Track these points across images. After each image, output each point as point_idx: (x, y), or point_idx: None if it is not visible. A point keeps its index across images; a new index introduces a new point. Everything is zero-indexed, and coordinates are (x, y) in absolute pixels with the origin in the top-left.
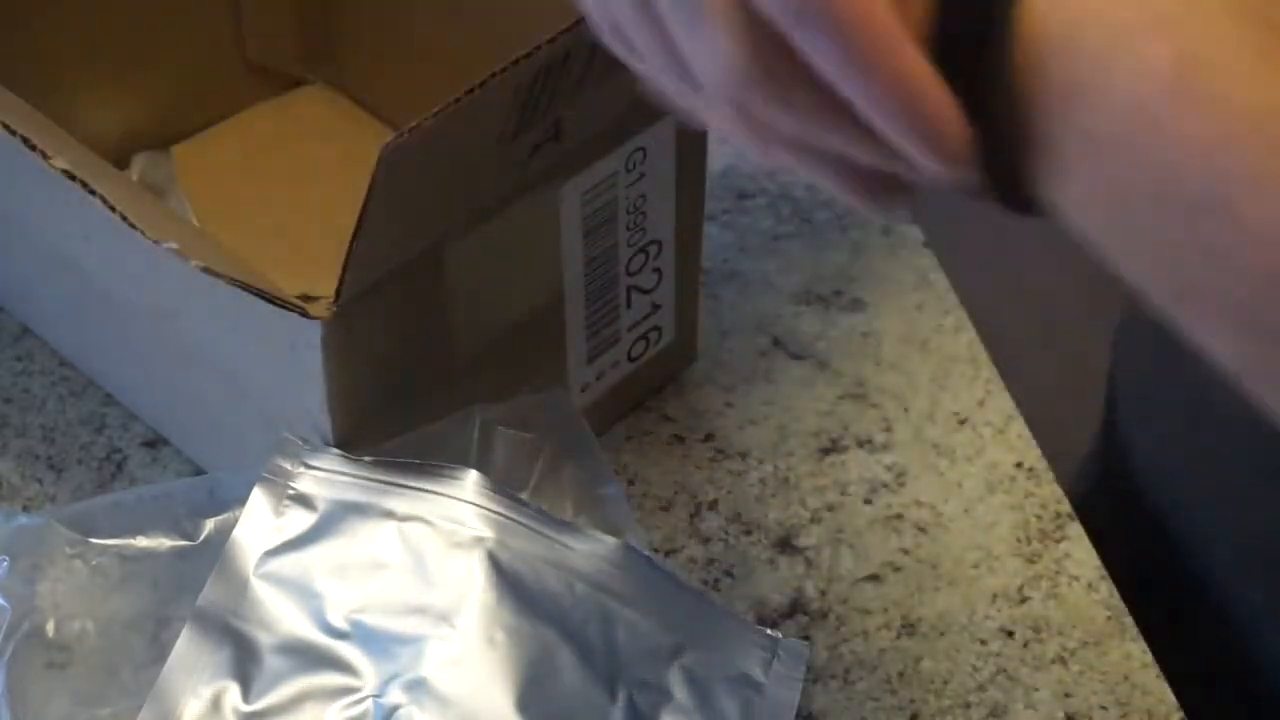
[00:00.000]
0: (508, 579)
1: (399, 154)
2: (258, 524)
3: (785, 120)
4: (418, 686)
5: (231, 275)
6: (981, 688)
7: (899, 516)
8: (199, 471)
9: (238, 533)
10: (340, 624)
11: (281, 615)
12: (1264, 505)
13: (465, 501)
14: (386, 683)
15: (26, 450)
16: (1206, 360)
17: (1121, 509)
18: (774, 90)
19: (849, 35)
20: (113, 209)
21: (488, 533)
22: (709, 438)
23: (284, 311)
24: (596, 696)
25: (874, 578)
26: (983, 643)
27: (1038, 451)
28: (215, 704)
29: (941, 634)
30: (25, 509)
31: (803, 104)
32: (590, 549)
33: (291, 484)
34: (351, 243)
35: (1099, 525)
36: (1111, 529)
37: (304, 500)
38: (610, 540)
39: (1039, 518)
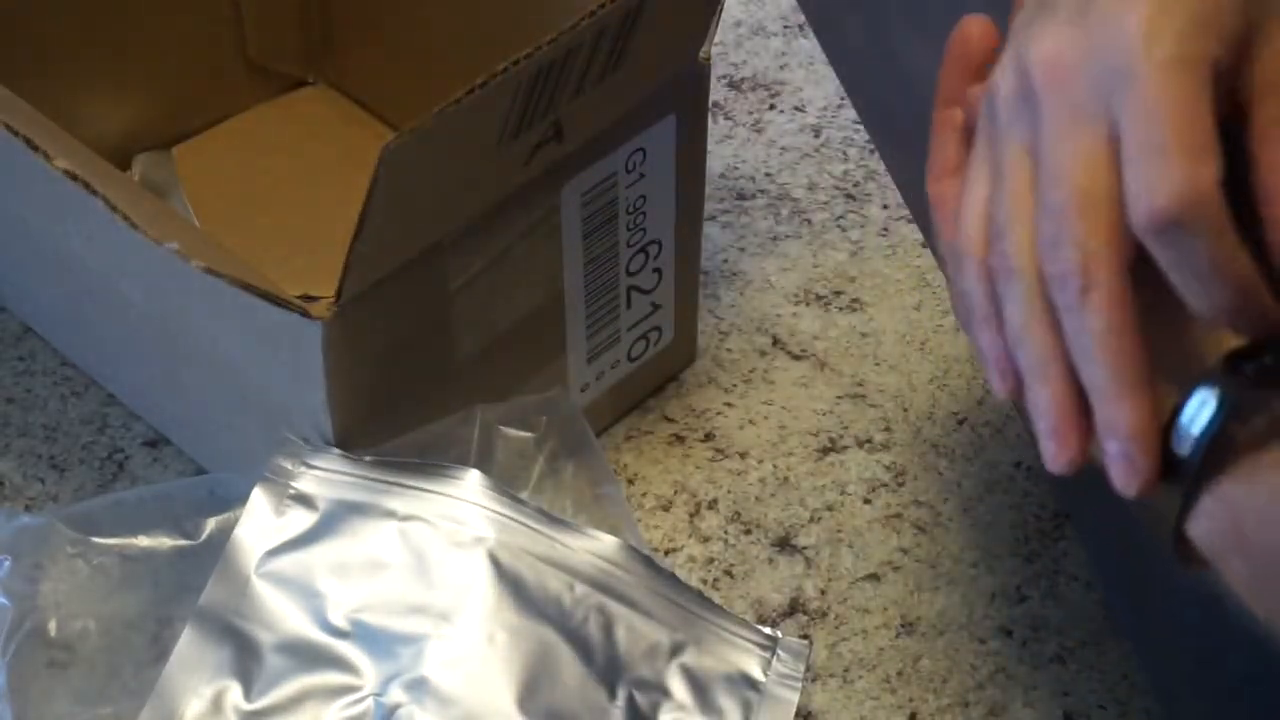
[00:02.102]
0: (508, 579)
1: (399, 154)
2: (259, 523)
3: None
4: (418, 686)
5: (233, 275)
6: (980, 686)
7: (898, 516)
8: (200, 471)
9: (239, 532)
10: (341, 623)
11: (282, 614)
12: None
13: (466, 501)
14: (387, 682)
15: (28, 450)
16: None
17: (1117, 509)
18: (1120, 280)
19: (1214, 237)
20: (114, 209)
21: (488, 532)
22: (709, 438)
23: (284, 311)
24: (596, 696)
25: (873, 577)
26: (981, 642)
27: (1036, 451)
28: (216, 703)
29: (940, 633)
30: (27, 508)
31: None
32: (590, 549)
33: (292, 484)
34: (352, 243)
35: (1094, 525)
36: (1107, 529)
37: (305, 500)
38: (610, 540)
39: (1037, 517)
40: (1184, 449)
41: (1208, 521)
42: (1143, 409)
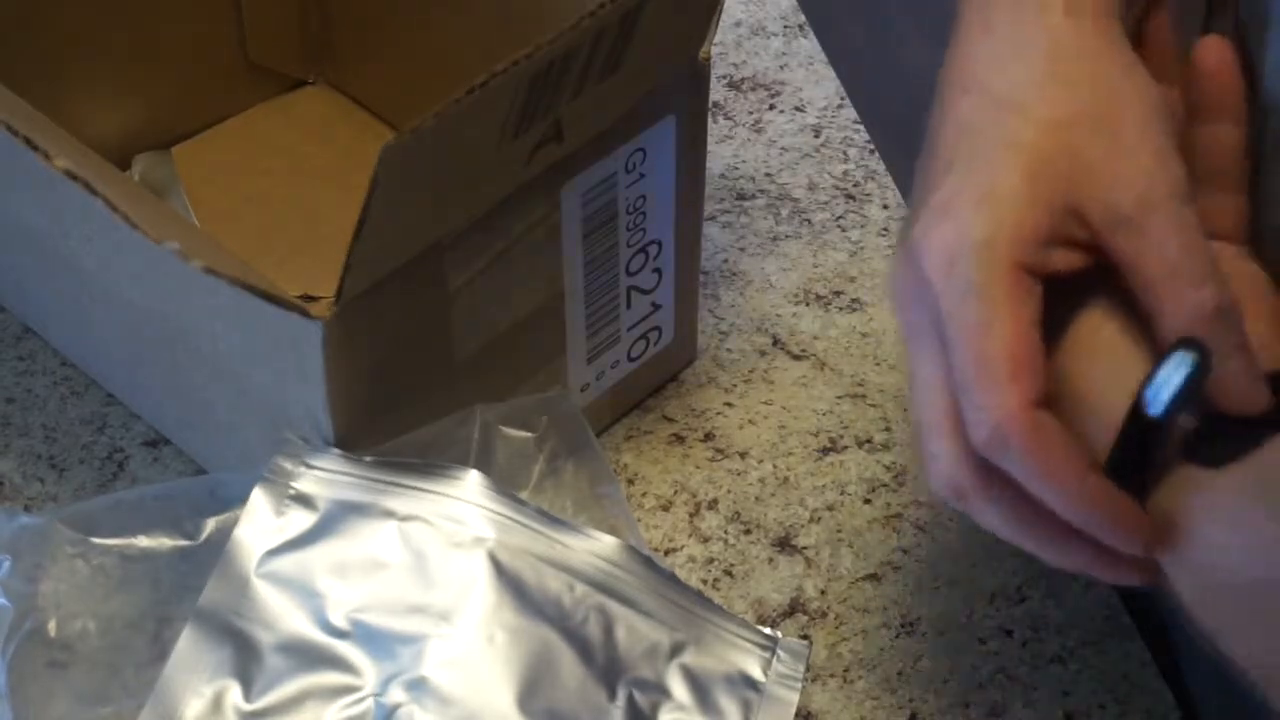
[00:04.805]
0: (508, 579)
1: (399, 154)
2: (259, 524)
3: (999, 519)
4: (418, 686)
5: (233, 275)
6: (981, 686)
7: (898, 516)
8: (200, 471)
9: (239, 532)
10: (341, 623)
11: (282, 614)
12: None
13: (465, 501)
14: (387, 682)
15: (28, 450)
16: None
17: None
18: (986, 496)
19: (1028, 464)
20: (114, 209)
21: (488, 532)
22: (709, 438)
23: (284, 311)
24: (596, 696)
25: (873, 577)
26: (982, 642)
27: None
28: (216, 703)
29: (941, 633)
30: (27, 508)
31: (1009, 510)
32: (590, 549)
33: (292, 484)
34: (352, 243)
35: None
36: None
37: (305, 500)
38: (610, 540)
39: None
40: (1153, 409)
41: (1162, 518)
42: (1126, 514)
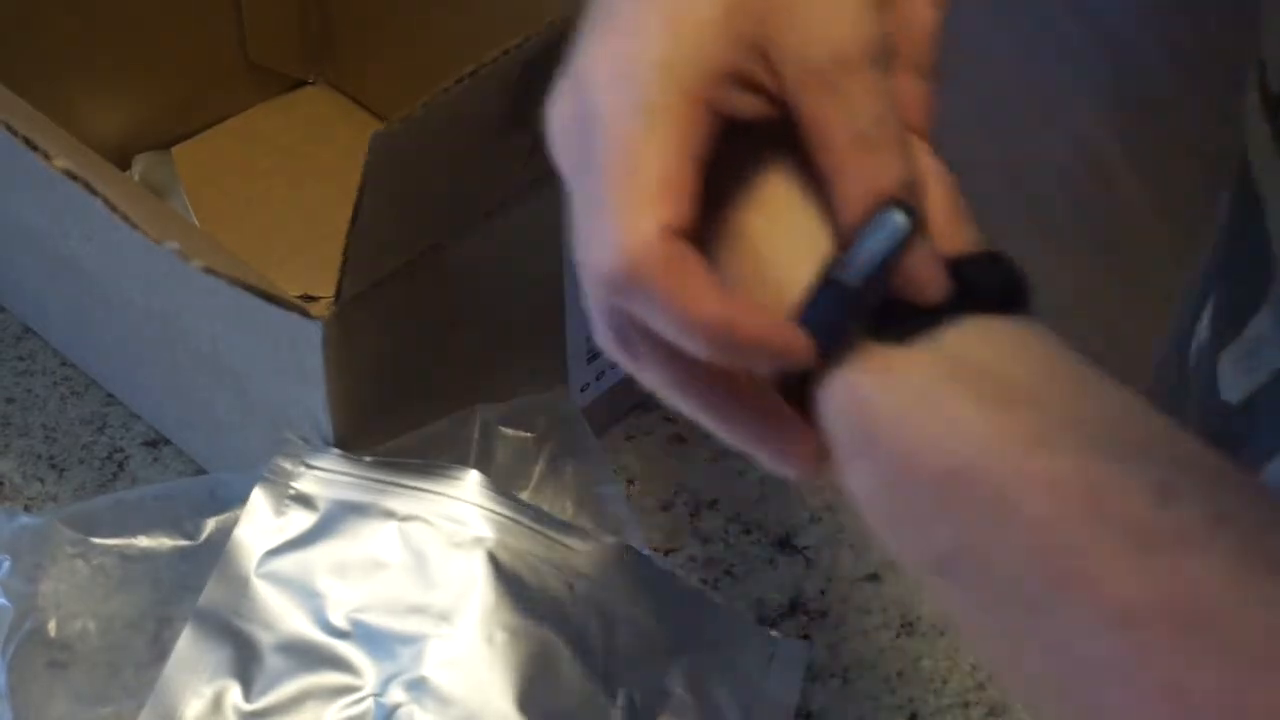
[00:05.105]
0: (508, 579)
1: (389, 142)
2: (259, 524)
3: (657, 375)
4: (418, 686)
5: (232, 275)
6: (980, 686)
7: None
8: (200, 471)
9: (239, 532)
10: (341, 623)
11: (282, 615)
12: None
13: (465, 501)
14: (387, 682)
15: (28, 450)
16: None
17: None
18: (631, 353)
19: (660, 295)
20: (114, 209)
21: (488, 533)
22: (709, 438)
23: (284, 311)
24: (596, 696)
25: (873, 577)
26: None
27: None
28: (216, 703)
29: (941, 633)
30: (27, 509)
31: (663, 362)
32: (590, 549)
33: (292, 484)
34: (348, 235)
35: None
36: None
37: (305, 500)
38: (610, 540)
39: None
40: (852, 274)
41: (838, 411)
42: (770, 417)
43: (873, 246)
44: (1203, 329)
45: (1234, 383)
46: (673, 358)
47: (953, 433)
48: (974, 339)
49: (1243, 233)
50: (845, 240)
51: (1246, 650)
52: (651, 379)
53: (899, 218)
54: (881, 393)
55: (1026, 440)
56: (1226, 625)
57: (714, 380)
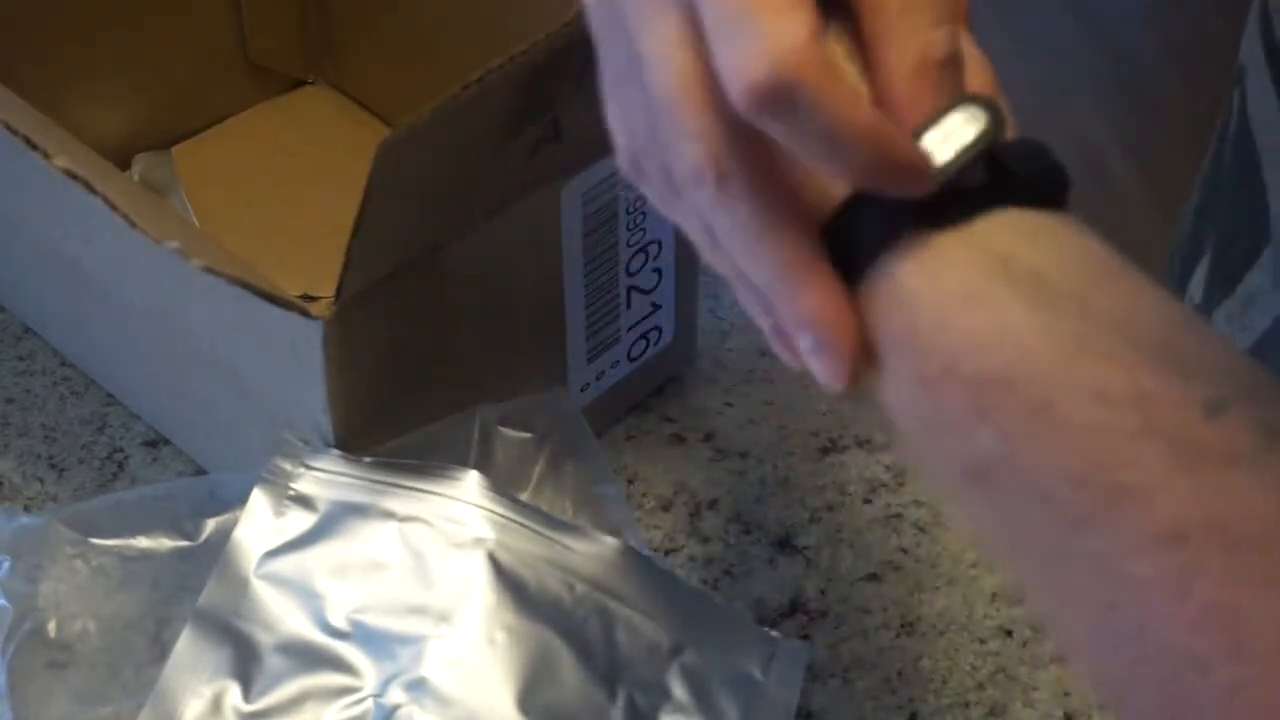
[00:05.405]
0: (508, 579)
1: (395, 150)
2: (258, 524)
3: (744, 214)
4: (418, 686)
5: (232, 275)
6: (980, 686)
7: (898, 516)
8: (200, 471)
9: (238, 533)
10: (341, 624)
11: (282, 615)
12: None
13: (465, 502)
14: (387, 683)
15: (28, 450)
16: None
17: None
18: (745, 175)
19: (822, 99)
20: (114, 209)
21: (488, 533)
22: (709, 438)
23: (284, 311)
24: (596, 696)
25: (873, 577)
26: (982, 642)
27: None
28: (216, 704)
29: (940, 633)
30: (27, 509)
31: (756, 200)
32: (590, 549)
33: (292, 484)
34: (350, 240)
35: None
36: None
37: (304, 501)
38: (610, 540)
39: None
40: (939, 160)
41: (881, 305)
42: (825, 289)
43: (963, 133)
44: (1195, 288)
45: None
46: (770, 195)
47: (1000, 334)
48: (1020, 235)
49: (1235, 187)
50: (892, 113)
51: None
52: (733, 223)
53: (984, 111)
54: (926, 288)
55: (1076, 346)
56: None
57: (798, 233)
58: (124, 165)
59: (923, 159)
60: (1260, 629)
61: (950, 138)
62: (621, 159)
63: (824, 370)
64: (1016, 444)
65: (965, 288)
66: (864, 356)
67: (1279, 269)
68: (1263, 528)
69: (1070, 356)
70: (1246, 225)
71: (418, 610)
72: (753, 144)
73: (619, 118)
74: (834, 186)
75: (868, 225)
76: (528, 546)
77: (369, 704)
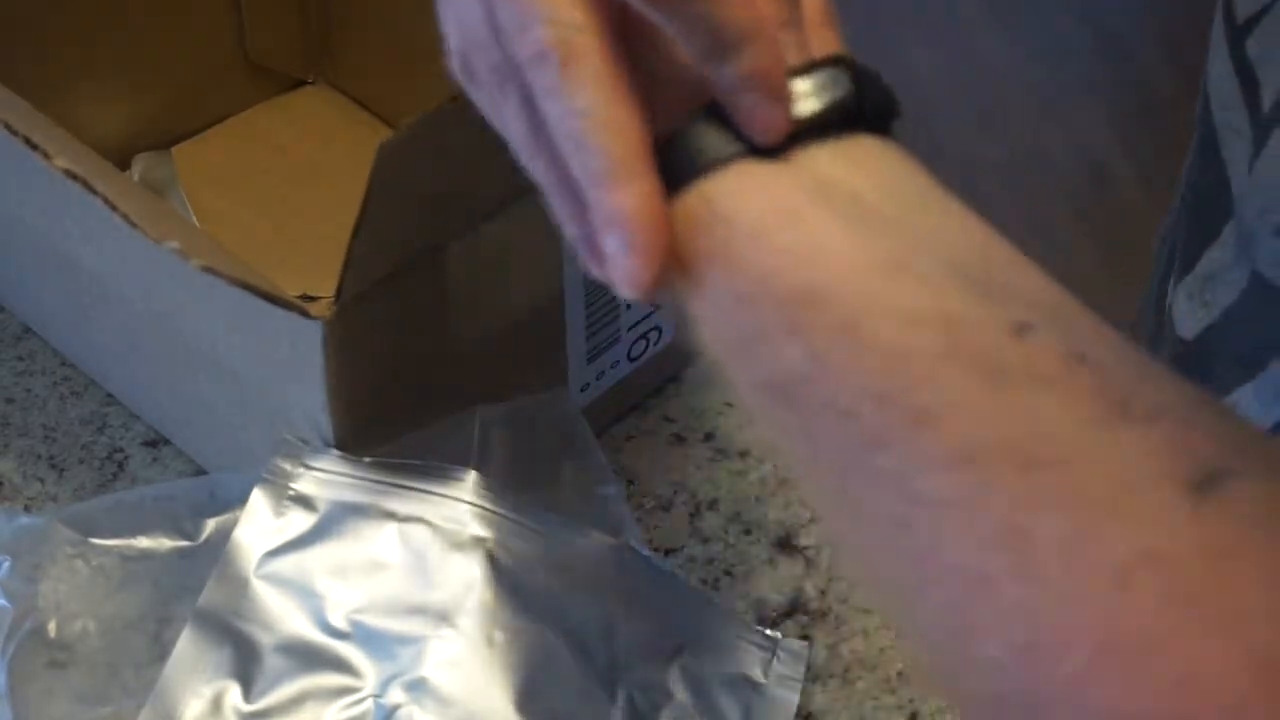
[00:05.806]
0: (508, 579)
1: (396, 151)
2: (258, 524)
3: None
4: (418, 686)
5: (232, 275)
6: None
7: None
8: (200, 471)
9: (238, 533)
10: (341, 624)
11: (282, 615)
12: None
13: (465, 502)
14: (387, 683)
15: (28, 450)
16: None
17: None
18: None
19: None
20: (114, 209)
21: (488, 533)
22: (709, 438)
23: (284, 311)
24: (596, 696)
25: None
26: None
27: None
28: (216, 704)
29: None
30: (27, 509)
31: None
32: (590, 549)
33: (292, 485)
34: (350, 241)
35: None
36: None
37: (304, 501)
38: (610, 540)
39: None
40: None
41: (695, 220)
42: (645, 188)
43: (820, 93)
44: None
45: (1188, 319)
46: (616, 86)
47: (814, 252)
48: (841, 160)
49: (1202, 168)
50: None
51: (1092, 496)
52: (570, 108)
53: (843, 74)
54: (746, 206)
55: (887, 267)
56: (1073, 468)
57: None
58: (124, 165)
59: (788, 94)
60: (1047, 550)
61: (817, 94)
62: (453, 62)
63: (626, 271)
64: (823, 361)
65: (784, 207)
66: (678, 267)
67: (1242, 244)
68: (1059, 450)
69: (881, 277)
70: (1209, 203)
71: (418, 610)
72: (611, 37)
73: (454, 18)
74: (679, 109)
75: (702, 141)
76: (528, 546)
77: (369, 704)
